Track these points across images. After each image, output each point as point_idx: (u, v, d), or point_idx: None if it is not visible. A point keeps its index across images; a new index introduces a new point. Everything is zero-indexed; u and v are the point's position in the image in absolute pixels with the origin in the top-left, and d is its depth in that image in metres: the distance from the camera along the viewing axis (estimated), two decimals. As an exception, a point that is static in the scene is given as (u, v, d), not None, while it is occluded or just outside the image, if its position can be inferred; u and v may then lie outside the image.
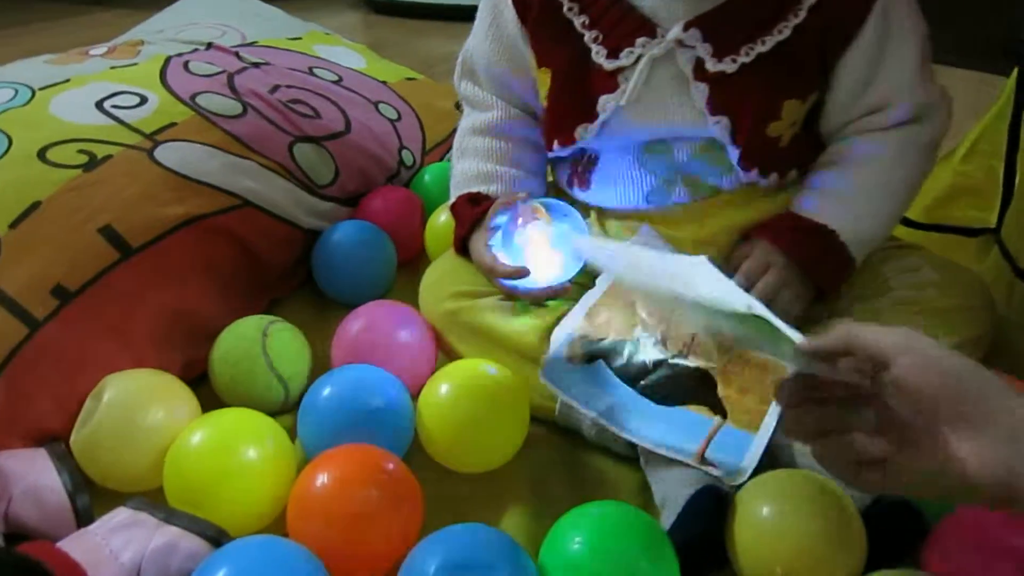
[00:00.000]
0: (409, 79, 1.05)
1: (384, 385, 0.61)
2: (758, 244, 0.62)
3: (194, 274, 0.69)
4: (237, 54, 0.91)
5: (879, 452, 0.39)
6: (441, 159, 0.98)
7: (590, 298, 0.63)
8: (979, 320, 0.63)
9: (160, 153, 0.72)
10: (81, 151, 0.71)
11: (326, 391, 0.59)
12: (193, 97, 0.79)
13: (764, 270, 0.61)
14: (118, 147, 0.72)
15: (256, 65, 0.89)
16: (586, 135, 0.63)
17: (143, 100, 0.78)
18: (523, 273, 0.64)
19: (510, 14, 0.67)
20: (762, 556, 0.48)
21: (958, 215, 0.82)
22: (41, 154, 0.69)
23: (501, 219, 0.66)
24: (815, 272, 0.62)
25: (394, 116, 0.95)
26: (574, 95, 0.63)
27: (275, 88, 0.86)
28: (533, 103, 0.70)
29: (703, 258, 0.47)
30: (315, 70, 0.95)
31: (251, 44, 0.97)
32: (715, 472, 0.53)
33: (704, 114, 0.60)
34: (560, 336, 0.60)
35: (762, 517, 0.48)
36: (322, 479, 0.51)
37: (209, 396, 0.65)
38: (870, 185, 0.63)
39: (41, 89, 0.78)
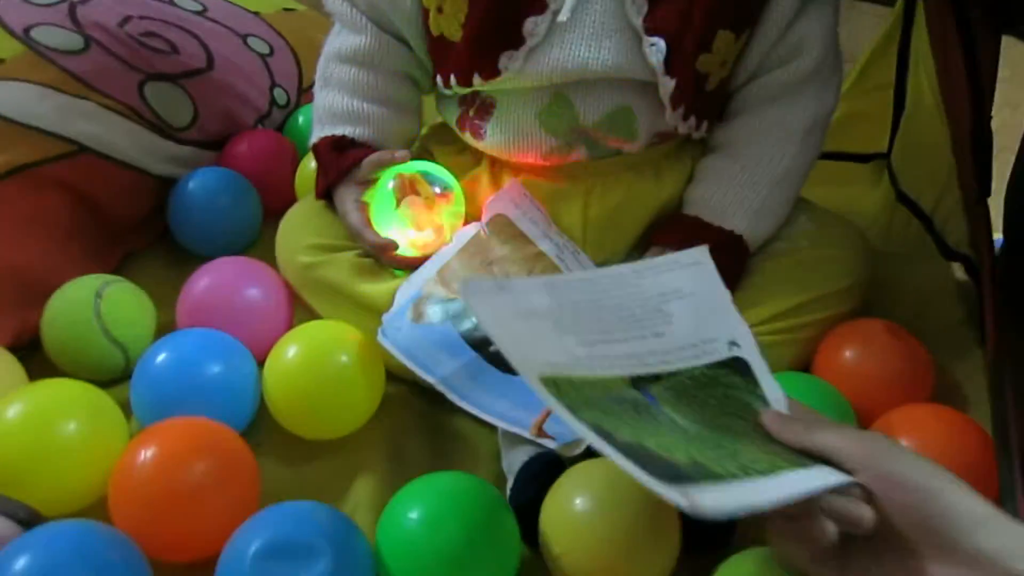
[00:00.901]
0: (287, 9, 0.98)
1: (225, 349, 0.57)
2: (669, 252, 0.59)
3: (25, 229, 0.64)
4: (86, -19, 0.83)
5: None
6: (319, 98, 0.92)
7: (443, 255, 0.59)
8: (852, 269, 0.62)
9: (-16, 92, 0.66)
10: None
11: (160, 357, 0.55)
12: (27, 30, 0.72)
13: None
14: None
15: (107, -7, 0.82)
16: (511, 65, 0.57)
17: (-32, 48, 0.70)
18: (391, 247, 0.61)
19: None
20: (564, 540, 0.46)
21: (852, 142, 0.82)
22: None
23: (377, 179, 0.62)
24: (725, 276, 0.61)
25: (266, 51, 0.89)
26: (498, 18, 0.57)
27: (126, 20, 0.79)
28: (412, 35, 0.63)
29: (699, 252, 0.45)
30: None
31: (105, -31, 0.88)
32: (549, 444, 0.50)
33: (640, 35, 0.55)
34: (405, 295, 0.57)
35: (571, 501, 0.46)
36: (143, 456, 0.47)
37: (47, 364, 0.61)
38: (773, 179, 0.61)
39: None
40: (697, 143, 0.64)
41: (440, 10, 0.59)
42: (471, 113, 0.62)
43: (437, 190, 0.61)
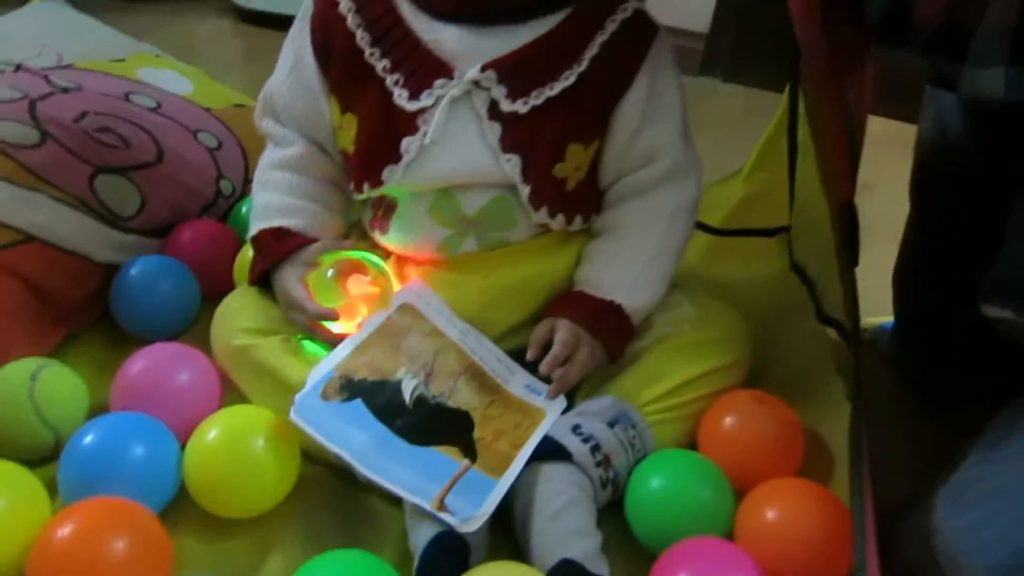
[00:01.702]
0: (238, 105, 1.05)
1: (150, 432, 0.61)
2: (561, 323, 0.67)
3: (-33, 312, 0.68)
4: (47, 77, 0.89)
5: None
6: (265, 188, 0.98)
7: (356, 338, 0.64)
8: (732, 349, 0.69)
9: (-63, 185, 0.70)
10: None
11: (87, 439, 0.59)
12: (-14, 125, 0.77)
13: (576, 343, 0.66)
14: None
15: (66, 90, 0.88)
16: (392, 176, 0.66)
17: (-72, 127, 0.76)
18: (333, 317, 0.66)
19: (311, 62, 0.68)
20: None
21: (758, 219, 0.90)
22: None
23: (321, 262, 0.68)
24: (609, 343, 0.67)
25: (214, 144, 0.95)
26: (380, 138, 0.66)
27: (83, 115, 0.85)
28: (331, 147, 0.72)
29: None
30: (132, 96, 0.94)
31: (67, 66, 0.95)
32: (448, 520, 0.54)
33: (497, 152, 0.64)
34: (317, 373, 0.62)
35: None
36: (60, 534, 0.51)
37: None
38: (646, 258, 0.69)
39: None
40: (584, 229, 0.71)
41: (341, 127, 0.68)
42: (379, 214, 0.70)
43: (376, 273, 0.68)
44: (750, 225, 0.90)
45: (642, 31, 0.66)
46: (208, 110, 1.00)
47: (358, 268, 0.66)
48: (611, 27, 0.64)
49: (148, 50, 1.09)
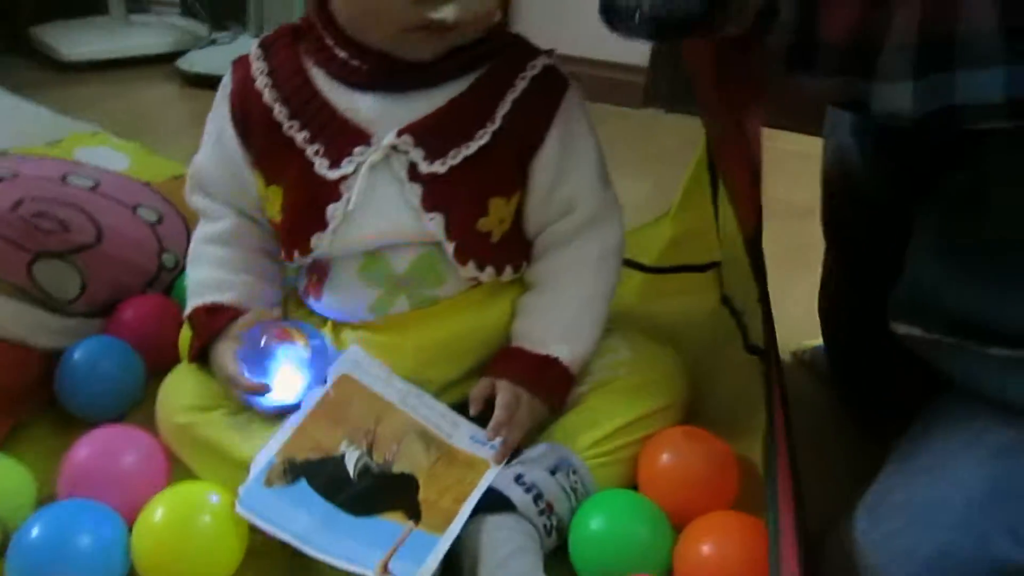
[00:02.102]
0: (176, 177, 1.06)
1: (97, 518, 0.61)
2: (501, 384, 0.68)
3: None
4: (-19, 168, 0.90)
5: None
6: (208, 257, 0.99)
7: (293, 420, 0.65)
8: (668, 392, 0.71)
9: None
10: None
11: (33, 530, 0.59)
12: (-80, 223, 0.78)
13: (517, 403, 0.67)
14: None
15: (1, 179, 0.89)
16: (320, 244, 0.67)
17: None
18: (264, 390, 0.67)
19: (232, 137, 0.70)
20: None
21: (689, 255, 0.92)
22: None
23: (252, 333, 0.69)
24: (550, 397, 0.69)
25: (154, 219, 0.96)
26: (305, 207, 0.67)
27: (19, 203, 0.86)
28: (260, 218, 0.74)
29: None
30: (69, 177, 0.95)
31: (2, 154, 0.96)
32: None
33: (420, 212, 0.66)
34: (260, 460, 0.63)
35: None
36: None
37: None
38: (578, 307, 0.71)
39: None
40: (516, 279, 0.73)
41: (266, 198, 0.70)
42: (312, 280, 0.72)
43: (307, 341, 0.68)
44: (682, 262, 0.92)
45: (552, 86, 0.68)
46: (147, 184, 1.01)
47: (289, 335, 0.68)
48: (522, 84, 0.67)
49: (85, 129, 1.11)
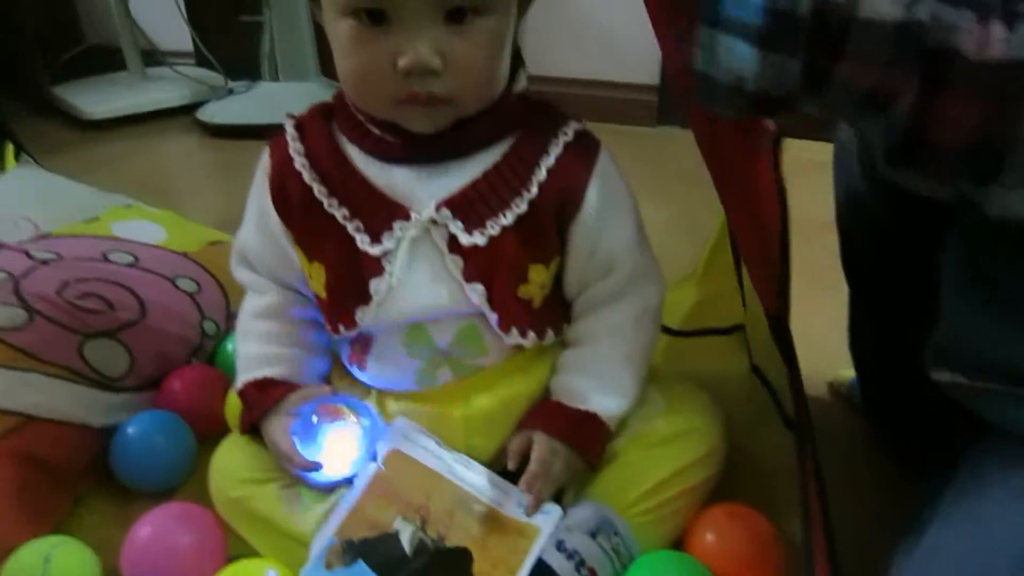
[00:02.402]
0: (212, 243, 1.10)
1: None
2: (538, 437, 0.69)
3: (-18, 501, 0.72)
4: (27, 252, 0.94)
5: None
6: (247, 321, 1.02)
7: (348, 500, 0.67)
8: (706, 439, 0.72)
9: (-62, 383, 0.75)
10: None
11: (102, 614, 0.63)
12: (-25, 313, 0.82)
13: (553, 456, 0.68)
14: None
15: (46, 263, 0.92)
16: (364, 318, 0.69)
17: (-79, 325, 0.80)
18: (317, 468, 0.69)
19: (274, 217, 0.72)
20: None
21: (714, 319, 0.92)
22: None
23: (305, 410, 0.71)
24: (587, 452, 0.70)
25: (193, 289, 1.00)
26: (349, 282, 0.69)
27: (64, 285, 0.89)
28: (305, 290, 0.75)
29: None
30: (109, 254, 0.99)
31: (45, 236, 1.00)
32: None
33: (462, 283, 0.67)
34: (319, 543, 0.65)
35: None
36: None
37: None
38: (618, 363, 0.72)
39: None
40: (558, 342, 0.74)
41: (310, 275, 0.72)
42: (356, 350, 0.73)
43: (357, 418, 0.71)
44: (707, 325, 0.92)
45: (585, 150, 0.68)
46: (184, 254, 1.04)
47: (340, 413, 0.70)
48: (555, 151, 0.67)
49: (120, 202, 1.14)
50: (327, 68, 2.22)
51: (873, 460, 0.87)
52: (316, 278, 0.71)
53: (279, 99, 2.11)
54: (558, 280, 0.72)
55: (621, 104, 2.08)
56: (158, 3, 2.36)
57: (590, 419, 0.70)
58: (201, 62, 2.47)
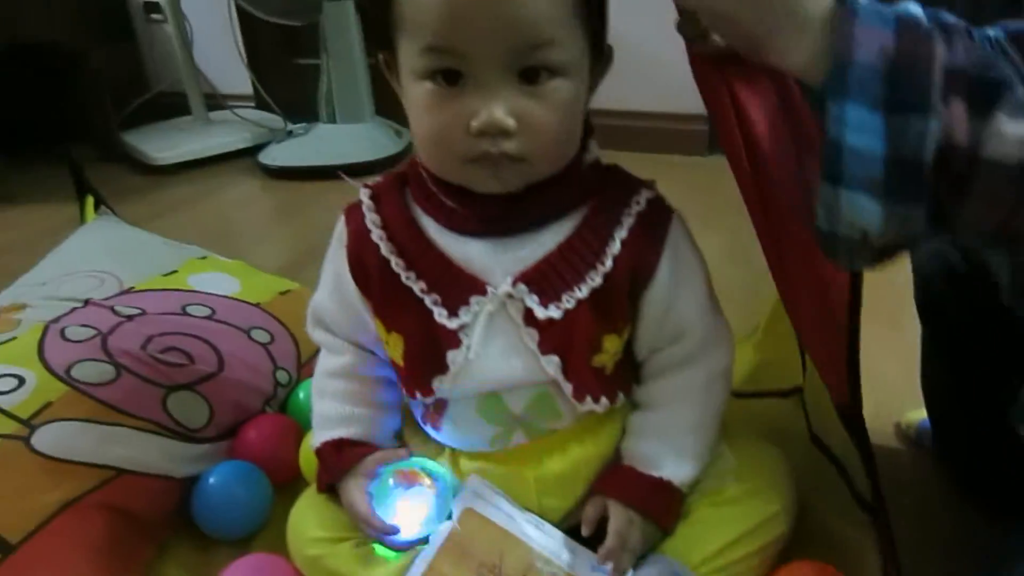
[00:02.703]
0: (283, 292, 1.14)
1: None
2: (613, 507, 0.70)
3: (71, 553, 0.75)
4: (112, 308, 0.99)
5: None
6: (316, 369, 1.06)
7: (423, 559, 0.69)
8: (777, 496, 0.72)
9: (37, 439, 0.79)
10: (-39, 450, 0.77)
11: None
12: (68, 370, 0.87)
13: (629, 527, 0.69)
14: (-4, 439, 0.79)
15: (130, 318, 0.97)
16: (442, 387, 0.70)
17: (21, 382, 0.85)
18: (394, 531, 0.71)
19: (351, 286, 0.73)
20: None
21: (771, 382, 0.92)
22: (-78, 460, 0.76)
23: (382, 473, 0.73)
24: (662, 519, 0.71)
25: (267, 339, 1.04)
26: (427, 353, 0.70)
27: (148, 340, 0.94)
28: (380, 351, 0.77)
29: None
30: (188, 307, 1.03)
31: (128, 291, 1.05)
32: None
33: (537, 355, 0.68)
34: None
35: None
36: None
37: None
38: (690, 429, 0.72)
39: (-77, 381, 0.85)
40: (622, 407, 0.75)
41: (387, 343, 0.73)
42: (431, 411, 0.75)
43: (432, 482, 0.73)
44: (765, 388, 0.92)
45: (658, 219, 0.68)
46: (257, 305, 1.09)
47: (416, 477, 0.72)
48: (628, 222, 0.67)
49: (195, 254, 1.19)
50: (382, 110, 2.29)
51: (948, 507, 0.85)
52: (394, 347, 0.72)
53: (337, 141, 2.18)
54: (628, 343, 0.72)
55: (672, 134, 2.10)
56: (218, 48, 2.46)
57: (664, 487, 0.71)
58: (259, 104, 2.56)
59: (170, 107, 2.50)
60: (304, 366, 1.06)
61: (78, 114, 2.35)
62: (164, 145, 2.29)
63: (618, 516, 0.69)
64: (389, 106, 2.30)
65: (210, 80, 2.41)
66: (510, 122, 0.58)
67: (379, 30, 0.63)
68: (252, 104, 2.59)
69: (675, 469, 0.71)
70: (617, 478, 0.72)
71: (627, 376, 0.74)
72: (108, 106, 2.34)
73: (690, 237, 0.71)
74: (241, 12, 2.30)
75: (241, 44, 2.43)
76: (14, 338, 0.93)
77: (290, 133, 2.29)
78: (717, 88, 0.61)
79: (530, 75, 0.58)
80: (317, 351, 1.06)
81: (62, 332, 0.93)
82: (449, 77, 0.58)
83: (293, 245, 1.74)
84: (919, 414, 0.94)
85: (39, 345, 0.90)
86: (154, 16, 2.62)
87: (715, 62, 0.60)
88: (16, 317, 0.98)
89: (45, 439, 0.79)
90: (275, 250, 1.73)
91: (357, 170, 2.10)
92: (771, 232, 0.65)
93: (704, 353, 0.72)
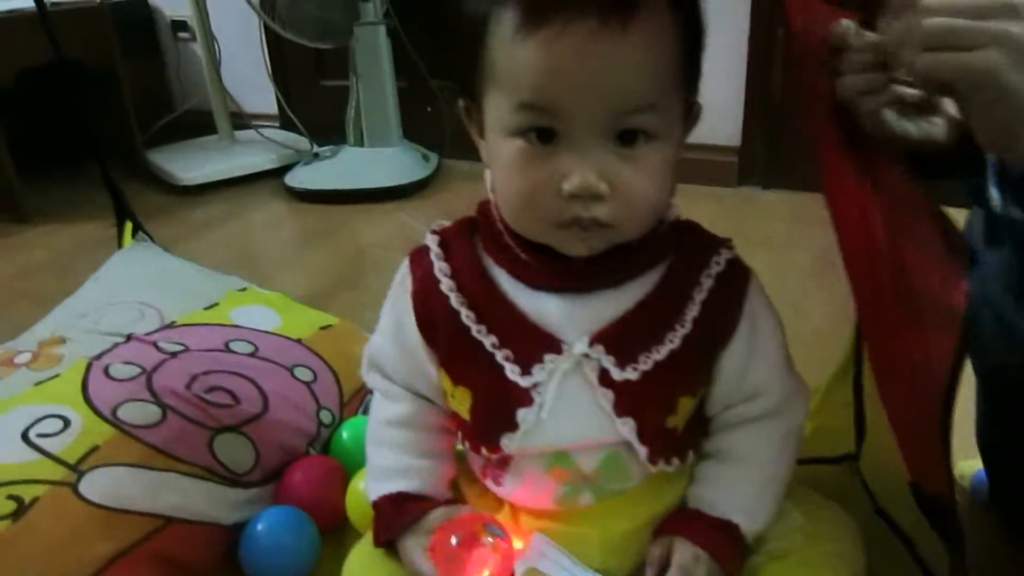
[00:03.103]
0: (324, 327, 1.12)
1: None
2: (679, 544, 0.67)
3: (123, 604, 0.74)
4: (155, 344, 0.97)
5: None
6: (358, 408, 1.04)
7: None
8: (850, 559, 0.70)
9: (85, 486, 0.78)
10: (10, 496, 0.76)
11: None
12: (114, 411, 0.85)
13: (695, 564, 0.67)
14: (44, 485, 0.77)
15: (174, 355, 0.96)
16: (510, 444, 0.67)
17: (67, 423, 0.83)
18: None
19: (415, 336, 0.70)
20: None
21: (823, 448, 0.90)
22: (-29, 506, 0.74)
23: (443, 532, 0.70)
24: (727, 563, 0.68)
25: (309, 378, 1.02)
26: (496, 409, 0.67)
27: (193, 379, 0.92)
28: (438, 400, 0.74)
29: None
30: (231, 344, 1.02)
31: (170, 326, 1.03)
32: None
33: (612, 417, 0.65)
34: None
35: None
36: None
37: None
38: (760, 486, 0.70)
39: (-32, 419, 0.83)
40: (691, 464, 0.72)
41: (452, 396, 0.70)
42: (493, 465, 0.72)
43: (495, 541, 0.69)
44: (816, 454, 0.89)
45: (737, 280, 0.66)
46: (299, 341, 1.07)
47: (479, 535, 0.70)
48: (708, 283, 0.65)
49: (233, 285, 1.18)
50: (410, 133, 2.28)
51: (1002, 558, 0.83)
52: (460, 401, 0.70)
53: (365, 164, 2.17)
54: (700, 400, 0.70)
55: (703, 165, 2.08)
56: (244, 67, 2.46)
57: (730, 529, 0.68)
58: (283, 124, 2.56)
59: (194, 126, 2.50)
60: (346, 405, 1.04)
61: (104, 132, 2.34)
62: (190, 165, 2.28)
63: (684, 552, 0.66)
64: (416, 130, 2.30)
65: (235, 99, 2.41)
66: (603, 187, 0.56)
67: (466, 78, 0.61)
68: (276, 124, 2.58)
69: (743, 517, 0.69)
70: (684, 518, 0.70)
71: (697, 433, 0.72)
72: (134, 124, 2.34)
73: (766, 296, 0.69)
74: (268, 32, 2.30)
75: (268, 64, 2.43)
76: (57, 375, 0.91)
77: (316, 155, 2.28)
78: (830, 136, 0.59)
79: (626, 138, 0.56)
80: (358, 389, 1.06)
81: (106, 369, 0.91)
82: (542, 135, 0.56)
83: (322, 272, 1.73)
84: (973, 464, 0.92)
85: (83, 383, 0.89)
86: (181, 35, 2.63)
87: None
88: (58, 352, 0.96)
89: (94, 486, 0.78)
90: (303, 277, 1.72)
91: (385, 195, 2.10)
92: (871, 304, 0.63)
93: (779, 410, 0.70)
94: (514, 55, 0.55)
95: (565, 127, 0.55)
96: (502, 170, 0.60)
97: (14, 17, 2.02)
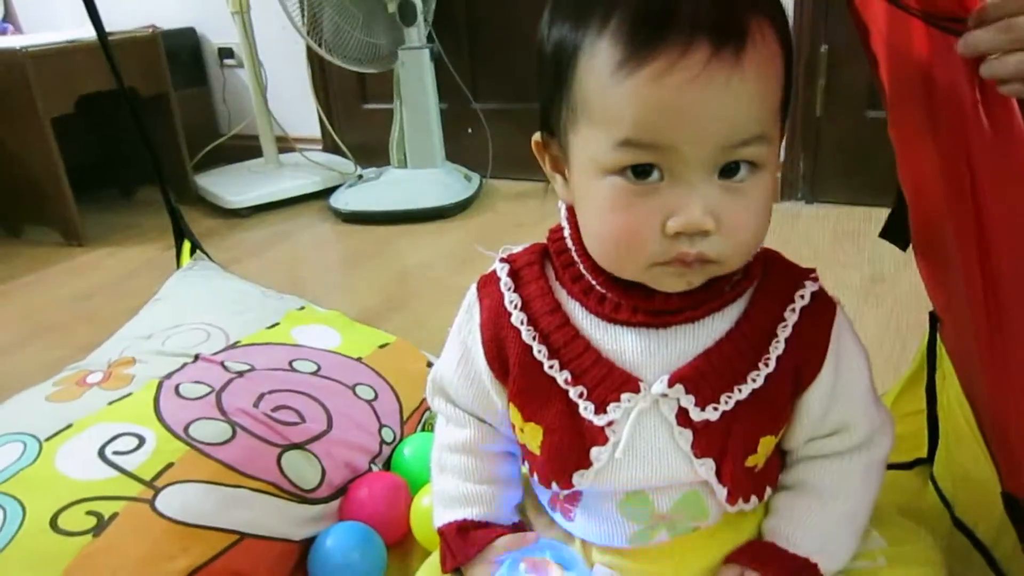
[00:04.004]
0: (382, 346, 1.14)
1: None
2: (750, 573, 0.66)
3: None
4: (223, 364, 0.99)
5: None
6: (418, 426, 1.06)
7: None
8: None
9: (161, 502, 0.79)
10: (89, 512, 0.78)
11: None
12: (186, 429, 0.87)
13: None
14: (123, 502, 0.79)
15: (240, 374, 0.98)
16: (583, 482, 0.65)
17: (141, 442, 0.85)
18: None
19: (483, 367, 0.68)
20: None
21: (894, 456, 0.88)
22: (53, 522, 0.76)
23: (511, 564, 0.69)
24: None
25: (371, 396, 1.03)
26: (568, 447, 0.65)
27: (260, 398, 0.94)
28: (503, 427, 0.72)
29: None
30: (295, 363, 1.03)
31: (234, 345, 1.06)
32: None
33: (690, 458, 0.63)
34: None
35: None
36: None
37: None
38: (841, 521, 0.68)
39: (47, 439, 0.85)
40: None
41: (522, 431, 0.68)
42: (563, 499, 0.70)
43: (562, 572, 0.68)
44: (888, 460, 0.89)
45: (822, 314, 0.63)
46: (359, 360, 1.09)
47: (547, 566, 0.69)
48: (792, 318, 0.62)
49: (292, 305, 1.20)
50: (452, 155, 2.30)
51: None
52: (531, 437, 0.67)
53: (409, 186, 2.20)
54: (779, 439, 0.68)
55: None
56: (289, 91, 2.51)
57: (810, 568, 0.66)
58: (327, 148, 2.60)
59: (240, 150, 2.55)
60: (407, 422, 1.05)
61: (153, 157, 2.40)
62: (237, 189, 2.33)
63: None
64: (459, 151, 2.32)
65: (280, 123, 2.45)
66: (710, 223, 0.53)
67: (546, 113, 0.59)
68: (320, 147, 2.62)
69: (821, 554, 0.66)
70: (758, 550, 0.68)
71: (775, 468, 0.69)
72: (184, 149, 2.39)
73: (852, 329, 0.66)
74: (313, 57, 2.34)
75: (313, 88, 2.47)
76: (129, 394, 0.94)
77: (360, 177, 2.31)
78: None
79: (730, 170, 0.53)
80: (418, 407, 1.08)
81: (176, 389, 0.94)
82: (640, 171, 0.53)
83: (370, 292, 1.75)
84: None
85: (155, 402, 0.91)
86: (227, 61, 2.69)
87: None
88: (128, 372, 0.99)
89: (170, 502, 0.79)
90: (353, 297, 1.74)
91: (429, 215, 2.12)
92: (990, 316, 0.61)
93: (864, 444, 0.67)
94: (615, 91, 0.52)
95: (669, 163, 0.52)
96: (596, 210, 0.57)
97: (75, 48, 2.09)
